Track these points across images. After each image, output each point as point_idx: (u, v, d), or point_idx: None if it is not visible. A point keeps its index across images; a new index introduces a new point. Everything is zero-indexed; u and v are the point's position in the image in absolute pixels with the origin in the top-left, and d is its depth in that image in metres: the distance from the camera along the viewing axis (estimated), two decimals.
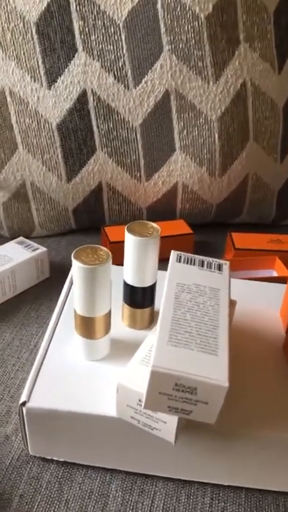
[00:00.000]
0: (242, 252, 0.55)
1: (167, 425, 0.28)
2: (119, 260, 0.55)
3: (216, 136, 0.57)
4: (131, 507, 0.31)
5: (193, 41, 0.54)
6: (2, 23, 0.52)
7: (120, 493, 0.32)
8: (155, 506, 0.31)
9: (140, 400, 0.28)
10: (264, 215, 0.67)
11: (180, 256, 0.34)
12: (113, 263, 0.55)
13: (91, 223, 0.64)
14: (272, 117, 0.59)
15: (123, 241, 0.55)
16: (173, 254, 0.34)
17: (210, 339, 0.27)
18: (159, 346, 0.26)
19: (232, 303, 0.36)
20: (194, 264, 0.33)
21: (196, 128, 0.57)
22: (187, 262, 0.34)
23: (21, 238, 0.54)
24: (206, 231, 0.66)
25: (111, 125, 0.56)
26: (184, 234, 0.58)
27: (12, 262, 0.49)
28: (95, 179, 0.59)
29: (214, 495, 0.32)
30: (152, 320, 0.39)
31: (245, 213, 0.66)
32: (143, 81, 0.55)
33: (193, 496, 0.32)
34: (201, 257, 0.34)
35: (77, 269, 0.31)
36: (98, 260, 0.31)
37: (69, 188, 0.59)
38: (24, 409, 0.31)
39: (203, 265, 0.33)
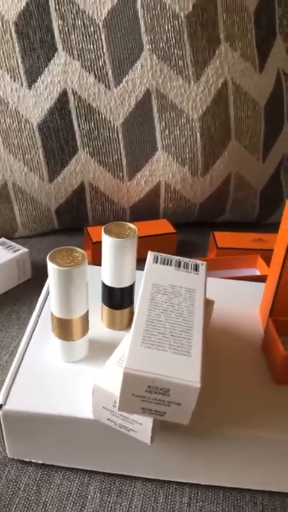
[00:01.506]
0: (224, 251, 0.55)
1: (142, 426, 0.28)
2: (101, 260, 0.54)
3: (198, 135, 0.57)
4: (109, 508, 0.31)
5: (173, 40, 0.54)
6: None
7: (98, 494, 0.32)
8: (133, 506, 0.32)
9: (115, 402, 0.28)
10: (248, 214, 0.67)
11: (157, 257, 0.34)
12: (96, 263, 0.55)
13: (74, 223, 0.64)
14: (253, 116, 0.59)
15: None
16: (150, 255, 0.34)
17: (184, 340, 0.27)
18: (133, 348, 0.26)
19: (210, 303, 0.36)
20: (170, 265, 0.33)
21: (178, 128, 0.57)
22: (164, 263, 0.34)
23: (2, 239, 0.54)
24: (189, 230, 0.66)
25: (93, 125, 0.56)
26: (167, 234, 0.58)
27: None
28: (77, 179, 0.59)
29: (192, 495, 0.32)
30: (131, 321, 0.39)
31: (228, 212, 0.66)
32: (124, 80, 0.55)
33: (171, 496, 0.32)
34: (178, 258, 0.34)
35: (52, 271, 0.30)
36: (74, 262, 0.31)
37: (51, 189, 0.59)
38: (0, 412, 0.31)
39: (179, 266, 0.33)
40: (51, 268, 0.30)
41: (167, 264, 0.33)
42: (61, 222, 0.63)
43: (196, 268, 0.34)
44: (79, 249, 0.32)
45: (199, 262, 0.34)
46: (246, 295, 0.43)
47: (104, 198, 0.61)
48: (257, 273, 0.54)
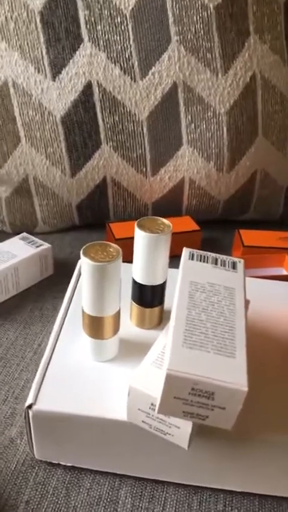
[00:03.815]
0: (250, 250, 0.54)
1: (180, 430, 0.27)
2: (125, 257, 0.53)
3: (225, 130, 0.56)
4: None
5: (202, 32, 0.52)
6: (5, 12, 0.51)
7: (129, 499, 0.31)
8: None
9: (152, 404, 0.27)
10: (272, 212, 0.66)
11: (192, 254, 0.33)
12: None
13: (95, 219, 0.62)
14: (281, 111, 0.58)
15: (129, 238, 0.54)
16: (185, 251, 0.33)
17: (227, 341, 0.26)
18: (174, 348, 0.25)
19: (246, 303, 0.35)
20: (207, 262, 0.32)
21: (204, 122, 0.55)
22: (200, 260, 0.32)
23: (24, 234, 0.52)
24: (212, 227, 0.64)
25: (117, 118, 0.55)
26: (192, 231, 0.57)
27: (16, 258, 0.48)
28: (99, 174, 0.58)
29: (227, 502, 0.31)
30: (161, 320, 0.37)
31: (252, 210, 0.65)
32: (150, 73, 0.54)
33: (205, 503, 0.31)
34: (214, 254, 0.33)
35: (86, 266, 0.29)
36: (108, 257, 0.29)
37: (73, 183, 0.58)
38: (30, 412, 0.30)
39: (216, 263, 0.32)
40: (86, 263, 0.29)
41: (204, 261, 0.32)
42: (82, 217, 0.62)
43: (234, 266, 0.32)
44: (113, 244, 0.31)
45: (236, 259, 0.33)
46: (277, 295, 0.41)
47: (126, 194, 0.59)
48: (284, 272, 0.53)
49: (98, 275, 0.29)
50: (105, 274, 0.29)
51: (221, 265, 0.32)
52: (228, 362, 0.25)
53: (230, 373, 0.24)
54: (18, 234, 0.60)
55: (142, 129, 0.55)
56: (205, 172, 0.58)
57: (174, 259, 0.47)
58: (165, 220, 0.34)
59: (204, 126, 0.56)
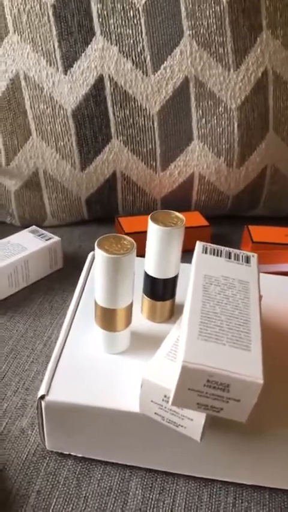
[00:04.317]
0: (259, 246, 0.54)
1: (193, 422, 0.27)
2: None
3: (236, 125, 0.56)
4: (152, 505, 0.30)
5: (214, 26, 0.52)
6: (17, 4, 0.51)
7: (140, 490, 0.31)
8: (177, 504, 0.30)
9: (165, 396, 0.27)
10: (282, 208, 0.66)
11: (206, 247, 0.33)
12: None
13: (104, 213, 0.62)
14: None
15: (138, 232, 0.54)
16: (199, 245, 0.33)
17: (242, 334, 0.26)
18: (189, 340, 0.25)
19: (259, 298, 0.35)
20: (220, 256, 0.32)
21: (215, 117, 0.55)
22: (213, 254, 0.32)
23: (34, 227, 0.53)
24: (220, 223, 0.64)
25: (128, 113, 0.55)
26: (201, 226, 0.56)
27: (26, 251, 0.48)
28: (109, 169, 0.58)
29: (237, 495, 0.31)
30: (172, 313, 0.37)
31: (261, 206, 0.64)
32: (162, 67, 0.53)
33: (216, 496, 0.31)
34: (227, 248, 0.33)
35: (100, 258, 0.29)
36: (122, 250, 0.30)
37: (82, 177, 0.58)
38: (43, 402, 0.30)
39: (230, 257, 0.32)
40: (100, 255, 0.29)
41: (217, 255, 0.32)
42: (91, 212, 0.62)
43: (247, 260, 0.32)
44: (127, 237, 0.31)
45: (250, 254, 0.33)
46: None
47: (135, 188, 0.59)
48: None
49: (112, 267, 0.29)
50: (119, 267, 0.29)
51: (235, 259, 0.32)
52: (243, 354, 0.25)
53: (246, 365, 0.24)
54: (27, 227, 0.60)
55: (153, 123, 0.55)
56: (215, 168, 0.58)
57: (183, 254, 0.47)
58: (178, 214, 0.34)
59: (215, 121, 0.56)
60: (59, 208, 0.60)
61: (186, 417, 0.27)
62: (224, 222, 0.65)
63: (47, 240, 0.50)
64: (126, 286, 0.31)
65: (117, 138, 0.56)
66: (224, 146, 0.57)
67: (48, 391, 0.30)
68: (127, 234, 0.54)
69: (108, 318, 0.32)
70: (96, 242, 0.30)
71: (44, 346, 0.42)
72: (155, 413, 0.28)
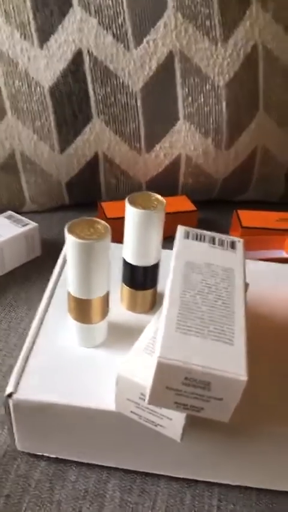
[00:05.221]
0: (249, 231, 0.51)
1: (172, 421, 0.25)
2: (117, 238, 0.51)
3: (224, 104, 0.53)
4: (131, 509, 0.28)
5: None
6: None
7: (118, 493, 0.29)
8: (157, 508, 0.28)
9: (142, 394, 0.25)
10: (272, 191, 0.63)
11: (188, 232, 0.30)
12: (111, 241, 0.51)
13: (86, 198, 0.59)
14: (284, 84, 0.54)
15: (122, 218, 0.51)
16: (180, 229, 0.30)
17: (225, 326, 0.24)
18: (167, 333, 0.23)
19: (245, 286, 0.33)
20: (203, 241, 0.30)
21: (202, 95, 0.52)
22: (196, 239, 0.30)
23: (9, 213, 0.50)
24: (208, 208, 0.62)
25: (109, 90, 0.51)
26: (187, 211, 0.54)
27: (0, 238, 0.45)
28: (90, 150, 0.54)
29: (222, 496, 0.29)
30: (154, 303, 0.35)
31: (251, 189, 0.62)
32: (145, 41, 0.50)
33: (199, 497, 0.29)
34: (211, 233, 0.30)
35: (71, 244, 0.27)
36: (96, 234, 0.27)
37: (62, 160, 0.55)
38: (10, 401, 0.27)
39: (214, 243, 0.30)
40: (70, 240, 0.26)
41: (200, 240, 0.30)
42: (72, 196, 0.59)
43: (233, 245, 0.30)
44: (101, 221, 0.28)
45: (235, 239, 0.30)
46: (278, 278, 0.39)
47: (119, 171, 0.56)
48: (284, 254, 0.50)
49: (85, 254, 0.27)
50: (92, 253, 0.27)
51: (219, 244, 0.30)
52: (226, 349, 0.22)
53: (228, 361, 0.22)
54: (3, 213, 0.57)
55: (136, 102, 0.52)
56: (202, 149, 0.55)
57: (168, 241, 0.44)
58: (158, 196, 0.31)
59: (202, 99, 0.53)
60: (38, 192, 0.57)
61: (165, 417, 0.25)
62: (212, 206, 0.62)
63: (23, 226, 0.47)
64: (101, 275, 0.28)
65: (98, 117, 0.53)
66: (211, 126, 0.54)
67: (16, 389, 0.28)
68: (110, 219, 0.51)
69: (82, 310, 0.29)
70: (66, 226, 0.27)
71: (19, 339, 0.39)
72: (132, 412, 0.26)
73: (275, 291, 0.37)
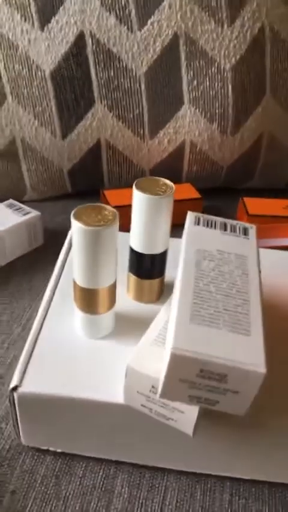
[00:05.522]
0: (255, 219, 0.50)
1: (184, 415, 0.24)
2: (121, 227, 0.50)
3: (230, 87, 0.51)
4: (139, 504, 0.27)
5: None
6: None
7: (126, 488, 0.28)
8: (167, 503, 0.27)
9: (153, 387, 0.24)
10: (278, 179, 0.62)
11: (199, 218, 0.29)
12: None
13: (88, 186, 0.58)
14: None
15: (126, 206, 0.50)
16: (190, 216, 0.29)
17: (241, 316, 0.23)
18: (180, 324, 0.22)
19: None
20: (215, 228, 0.28)
21: (207, 79, 0.51)
22: (207, 226, 0.28)
23: (10, 201, 0.48)
24: (213, 196, 0.60)
25: (112, 74, 0.50)
26: (192, 199, 0.53)
27: (1, 227, 0.44)
28: (93, 137, 0.53)
29: (234, 491, 0.28)
30: (161, 293, 0.34)
31: (257, 177, 0.61)
32: (149, 23, 0.48)
33: (210, 492, 0.28)
34: (223, 219, 0.29)
35: (77, 232, 0.25)
36: (103, 221, 0.26)
37: (64, 146, 0.53)
38: (15, 394, 0.26)
39: (225, 229, 0.28)
40: (77, 227, 0.25)
41: (211, 227, 0.28)
42: (74, 184, 0.57)
43: (245, 232, 0.29)
44: (108, 207, 0.27)
45: (248, 225, 0.29)
46: (287, 266, 0.38)
47: (122, 159, 0.55)
48: None
49: (92, 241, 0.25)
50: (99, 241, 0.25)
51: (231, 231, 0.28)
52: (242, 340, 0.21)
53: (246, 353, 0.21)
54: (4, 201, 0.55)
55: (139, 86, 0.51)
56: (208, 135, 0.54)
57: (173, 229, 0.43)
58: (167, 181, 0.30)
59: (208, 83, 0.51)
60: (40, 180, 0.56)
61: (177, 410, 0.24)
62: (217, 194, 0.61)
63: (24, 214, 0.46)
64: (109, 263, 0.27)
65: (101, 102, 0.51)
66: (217, 111, 0.52)
67: (21, 382, 0.27)
68: (113, 207, 0.50)
69: (88, 300, 0.28)
70: (72, 213, 0.26)
71: (23, 330, 0.38)
72: (142, 405, 0.25)
73: (284, 280, 0.36)
